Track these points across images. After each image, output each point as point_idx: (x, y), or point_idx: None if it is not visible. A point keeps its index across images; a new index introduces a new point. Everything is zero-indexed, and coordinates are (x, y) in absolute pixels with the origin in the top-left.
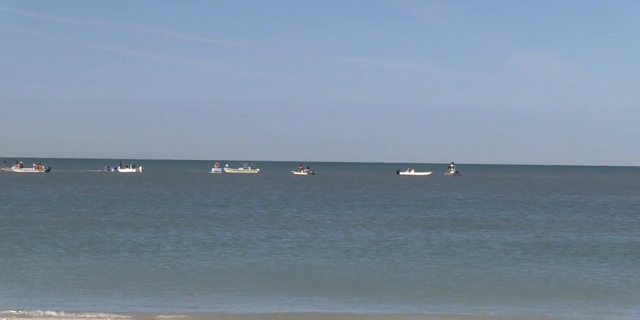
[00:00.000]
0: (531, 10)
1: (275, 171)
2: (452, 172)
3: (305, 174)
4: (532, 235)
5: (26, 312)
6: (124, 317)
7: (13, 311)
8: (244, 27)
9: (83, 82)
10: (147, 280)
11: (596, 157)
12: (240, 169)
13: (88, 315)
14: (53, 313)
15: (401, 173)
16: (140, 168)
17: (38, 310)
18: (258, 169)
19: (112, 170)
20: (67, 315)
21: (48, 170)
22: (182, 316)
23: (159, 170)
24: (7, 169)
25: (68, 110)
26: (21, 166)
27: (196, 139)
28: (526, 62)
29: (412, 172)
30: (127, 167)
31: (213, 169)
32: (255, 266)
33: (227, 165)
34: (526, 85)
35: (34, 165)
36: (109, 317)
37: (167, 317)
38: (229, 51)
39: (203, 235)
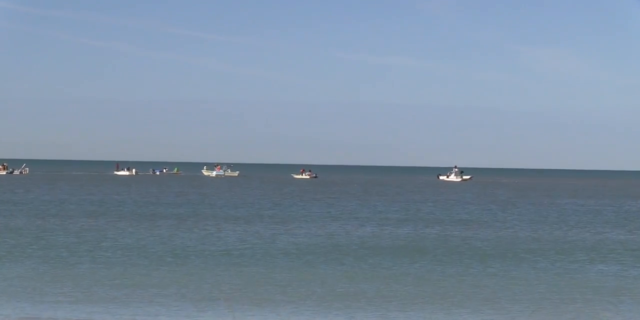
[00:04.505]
0: (542, 4)
1: (272, 174)
2: (465, 177)
3: (308, 177)
4: None
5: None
6: None
7: None
8: (238, 21)
9: (67, 80)
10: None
11: (611, 161)
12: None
13: None
14: None
15: (441, 177)
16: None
17: None
18: (238, 172)
19: (158, 173)
20: None
21: (11, 173)
22: None
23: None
24: None
25: (54, 109)
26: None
27: (183, 140)
28: (537, 59)
29: (452, 177)
30: (122, 169)
31: (215, 173)
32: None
33: (205, 167)
34: (537, 84)
35: None
36: None
37: None
38: (221, 46)
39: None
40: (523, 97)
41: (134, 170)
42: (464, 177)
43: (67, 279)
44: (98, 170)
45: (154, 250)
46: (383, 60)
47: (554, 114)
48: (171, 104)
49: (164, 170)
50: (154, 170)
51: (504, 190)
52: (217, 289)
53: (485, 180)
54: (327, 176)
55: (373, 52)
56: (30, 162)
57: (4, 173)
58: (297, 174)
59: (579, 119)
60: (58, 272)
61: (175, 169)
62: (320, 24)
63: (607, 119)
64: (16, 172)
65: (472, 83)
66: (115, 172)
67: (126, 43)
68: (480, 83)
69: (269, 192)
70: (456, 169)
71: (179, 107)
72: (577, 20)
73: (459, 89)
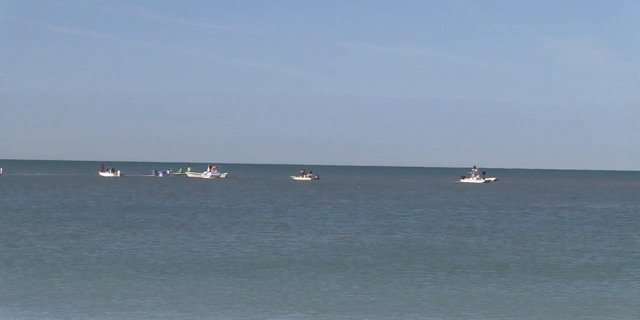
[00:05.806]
0: None
1: (269, 176)
2: (489, 178)
3: (309, 179)
4: None
5: None
6: None
7: None
8: (234, 9)
9: (33, 71)
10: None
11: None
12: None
13: None
14: None
15: (463, 180)
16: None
17: None
18: (226, 173)
19: (161, 174)
20: None
21: None
22: None
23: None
24: None
25: (15, 104)
26: None
27: (167, 138)
28: (561, 49)
29: (474, 178)
30: (107, 170)
31: (209, 174)
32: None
33: (189, 168)
34: (561, 77)
35: None
36: None
37: None
38: (215, 35)
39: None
40: (543, 91)
41: (118, 171)
42: (488, 178)
43: (42, 289)
44: (81, 171)
45: (141, 259)
46: (390, 50)
47: (577, 109)
48: (157, 99)
49: (168, 172)
50: (156, 171)
51: (527, 193)
52: (206, 300)
53: (507, 182)
54: (329, 178)
55: (379, 41)
56: (4, 163)
57: None
58: (297, 176)
59: (604, 115)
60: (34, 281)
61: (180, 169)
62: (321, 10)
63: (636, 115)
64: None
65: (488, 75)
66: (100, 173)
67: (108, 32)
68: (497, 76)
69: (268, 195)
70: (475, 170)
71: (165, 102)
72: (603, 8)
73: (471, 81)
